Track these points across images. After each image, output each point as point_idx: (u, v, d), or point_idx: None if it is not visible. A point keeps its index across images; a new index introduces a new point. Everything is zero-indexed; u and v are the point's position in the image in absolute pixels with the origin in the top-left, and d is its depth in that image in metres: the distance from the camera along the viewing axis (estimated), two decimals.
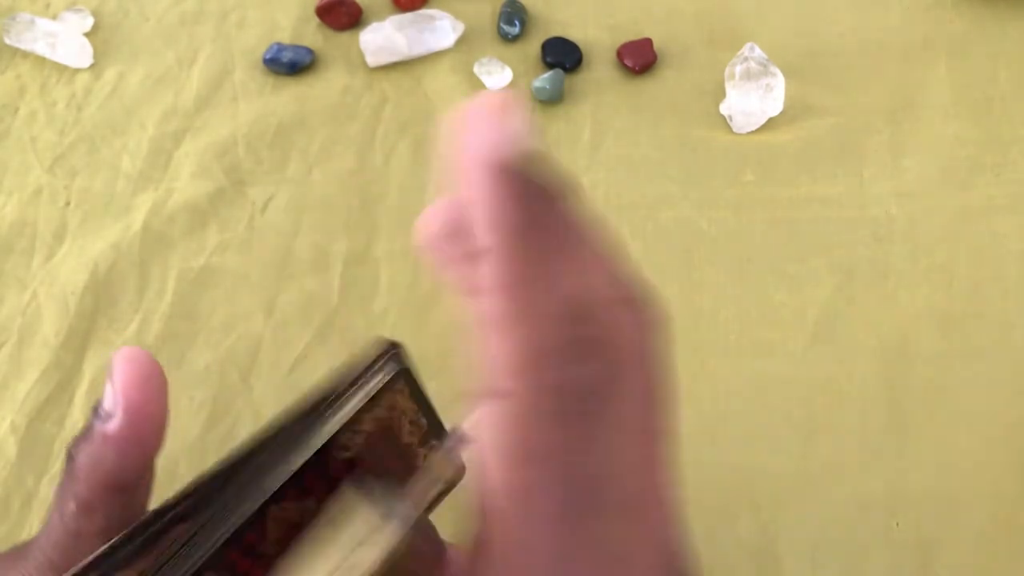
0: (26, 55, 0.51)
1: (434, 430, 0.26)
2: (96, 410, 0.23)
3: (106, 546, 0.21)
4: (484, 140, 0.16)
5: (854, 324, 0.40)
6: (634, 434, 0.17)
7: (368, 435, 0.24)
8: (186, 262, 0.43)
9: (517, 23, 0.50)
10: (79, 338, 0.41)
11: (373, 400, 0.23)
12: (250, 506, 0.22)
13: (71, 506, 0.22)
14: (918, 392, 0.38)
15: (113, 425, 0.22)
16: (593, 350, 0.16)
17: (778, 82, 0.45)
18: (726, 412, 0.38)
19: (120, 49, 0.51)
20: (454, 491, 0.25)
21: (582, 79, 0.49)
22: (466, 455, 0.20)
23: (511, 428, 0.16)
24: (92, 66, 0.50)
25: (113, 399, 0.23)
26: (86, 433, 0.23)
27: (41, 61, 0.50)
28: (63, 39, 0.50)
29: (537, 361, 0.16)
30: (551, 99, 0.47)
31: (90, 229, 0.44)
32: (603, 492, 0.16)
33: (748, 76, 0.45)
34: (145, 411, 0.23)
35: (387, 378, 0.24)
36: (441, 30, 0.49)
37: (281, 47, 0.50)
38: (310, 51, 0.50)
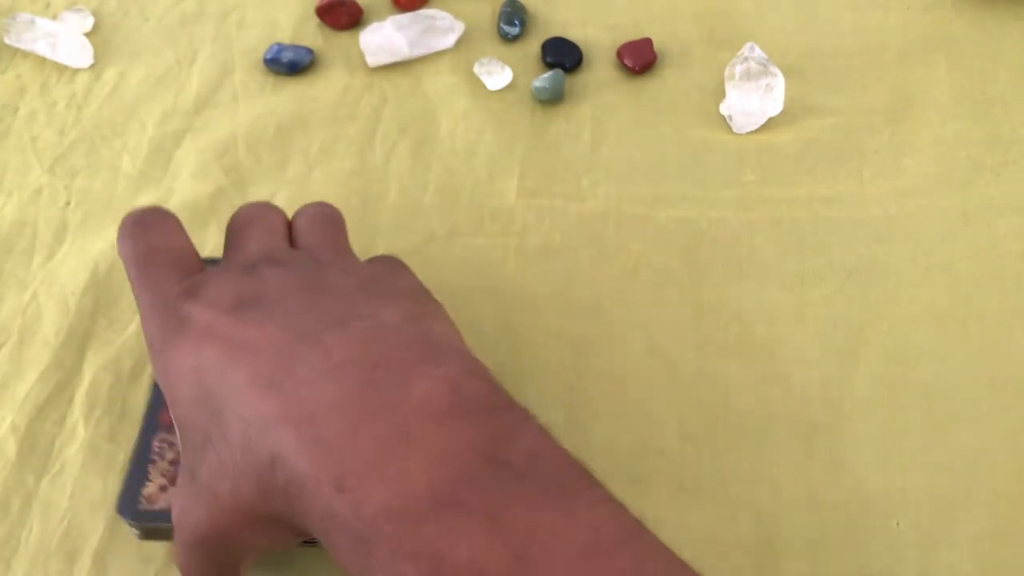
0: (26, 55, 0.51)
1: None
2: None
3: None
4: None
5: (854, 324, 0.40)
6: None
7: None
8: None
9: (517, 23, 0.50)
10: (79, 338, 0.41)
11: None
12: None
13: None
14: (918, 392, 0.38)
15: None
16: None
17: (778, 82, 0.45)
18: (726, 412, 0.38)
19: (120, 49, 0.51)
20: None
21: (582, 79, 0.49)
22: None
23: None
24: (92, 66, 0.50)
25: None
26: None
27: (41, 61, 0.50)
28: (63, 39, 0.50)
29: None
30: (551, 99, 0.47)
31: (90, 229, 0.44)
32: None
33: (748, 76, 0.45)
34: None
35: None
36: (441, 30, 0.50)
37: (281, 47, 0.50)
38: (310, 51, 0.50)
